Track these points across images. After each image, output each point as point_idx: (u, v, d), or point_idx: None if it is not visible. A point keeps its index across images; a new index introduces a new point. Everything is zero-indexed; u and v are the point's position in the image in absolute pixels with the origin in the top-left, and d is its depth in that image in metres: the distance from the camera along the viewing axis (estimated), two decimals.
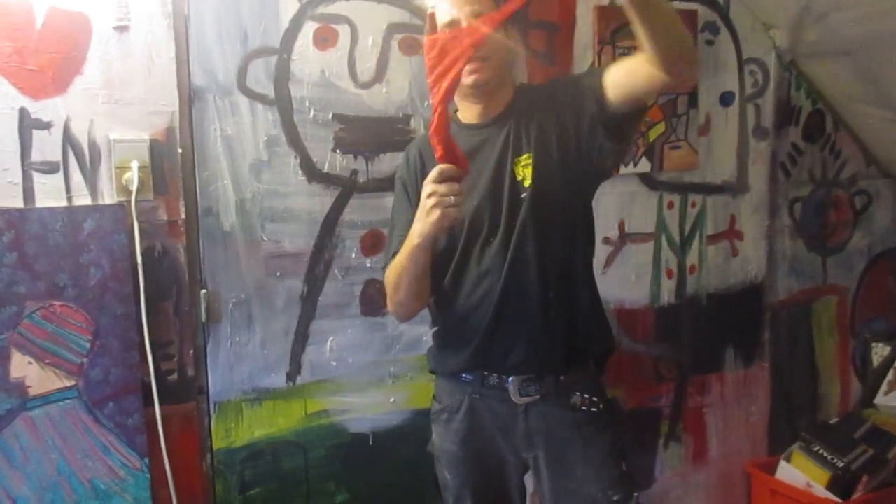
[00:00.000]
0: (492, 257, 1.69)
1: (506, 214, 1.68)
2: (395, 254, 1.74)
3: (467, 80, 1.65)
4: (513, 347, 1.71)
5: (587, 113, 1.64)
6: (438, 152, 1.55)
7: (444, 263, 1.74)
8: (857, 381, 3.26)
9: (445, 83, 1.53)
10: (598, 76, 1.63)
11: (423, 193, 1.58)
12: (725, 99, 2.82)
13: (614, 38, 2.56)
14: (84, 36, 1.95)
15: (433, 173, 1.56)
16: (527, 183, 1.68)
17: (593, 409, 1.75)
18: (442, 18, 1.66)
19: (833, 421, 3.09)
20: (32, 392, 1.94)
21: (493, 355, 1.73)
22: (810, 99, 2.98)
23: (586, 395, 1.75)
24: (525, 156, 1.69)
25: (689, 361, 2.87)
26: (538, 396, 1.73)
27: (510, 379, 1.73)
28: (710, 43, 2.75)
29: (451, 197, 1.54)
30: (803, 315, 3.10)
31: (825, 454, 2.79)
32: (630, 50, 2.54)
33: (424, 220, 1.58)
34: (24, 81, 1.90)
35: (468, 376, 1.77)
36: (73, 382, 1.98)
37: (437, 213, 1.55)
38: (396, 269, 1.72)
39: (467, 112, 1.76)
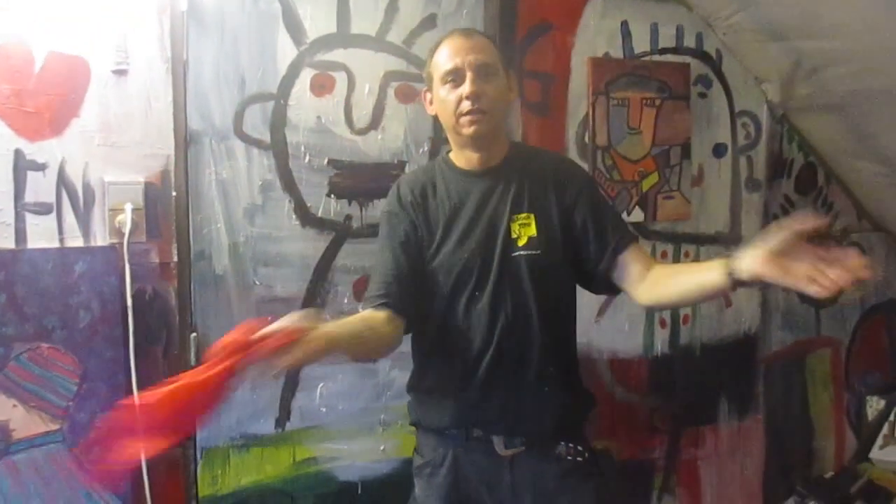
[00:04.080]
0: (478, 314, 1.67)
1: (496, 271, 1.66)
2: (371, 299, 1.68)
3: (468, 130, 1.66)
4: (503, 411, 1.68)
5: (584, 244, 1.70)
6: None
7: (427, 312, 1.72)
8: (853, 435, 3.23)
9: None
10: (619, 246, 1.69)
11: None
12: (718, 151, 2.85)
13: (608, 90, 2.59)
14: (82, 79, 1.97)
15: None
16: (521, 242, 1.67)
17: (578, 459, 1.72)
18: (444, 66, 1.67)
19: (828, 475, 3.06)
20: (16, 436, 1.91)
21: (480, 415, 1.70)
22: (802, 152, 3.01)
23: (571, 445, 1.72)
24: (524, 215, 1.68)
25: (682, 413, 2.84)
26: (523, 448, 1.71)
27: None
28: (702, 96, 2.79)
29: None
30: (797, 367, 3.09)
31: None
32: (623, 101, 2.59)
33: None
34: (21, 123, 1.91)
35: (452, 430, 1.75)
36: (58, 426, 1.95)
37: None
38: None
39: (464, 159, 1.76)
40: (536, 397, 1.68)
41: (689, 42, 2.76)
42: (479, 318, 1.67)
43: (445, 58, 1.67)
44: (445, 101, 1.67)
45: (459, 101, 1.65)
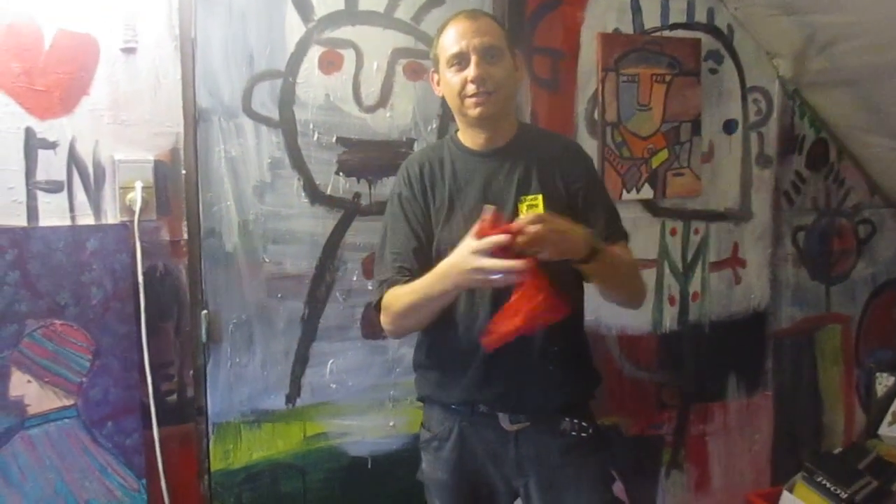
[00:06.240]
0: (482, 291, 1.67)
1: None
2: (392, 272, 1.71)
3: (474, 112, 1.67)
4: (507, 389, 1.70)
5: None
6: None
7: None
8: (861, 411, 3.23)
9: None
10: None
11: (472, 260, 1.47)
12: (729, 127, 2.83)
13: (618, 66, 2.58)
14: (91, 57, 1.97)
15: (483, 245, 1.46)
16: None
17: (583, 434, 1.74)
18: (449, 49, 1.67)
19: (837, 451, 3.06)
20: (31, 411, 1.94)
21: (485, 392, 1.72)
22: (814, 128, 2.98)
23: (576, 421, 1.74)
24: (532, 196, 1.68)
25: (691, 389, 2.85)
26: (528, 423, 1.72)
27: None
28: (713, 71, 2.76)
29: (497, 275, 1.46)
30: (807, 344, 3.08)
31: (829, 485, 2.75)
32: (633, 77, 2.57)
33: (465, 276, 1.50)
34: (31, 101, 1.92)
35: (458, 405, 1.76)
36: (72, 402, 1.98)
37: (478, 279, 1.48)
38: (413, 298, 1.63)
39: (470, 139, 1.76)
40: (540, 375, 1.70)
41: (701, 17, 2.73)
42: (483, 295, 1.67)
43: (450, 41, 1.68)
44: (451, 83, 1.68)
45: (465, 84, 1.65)
